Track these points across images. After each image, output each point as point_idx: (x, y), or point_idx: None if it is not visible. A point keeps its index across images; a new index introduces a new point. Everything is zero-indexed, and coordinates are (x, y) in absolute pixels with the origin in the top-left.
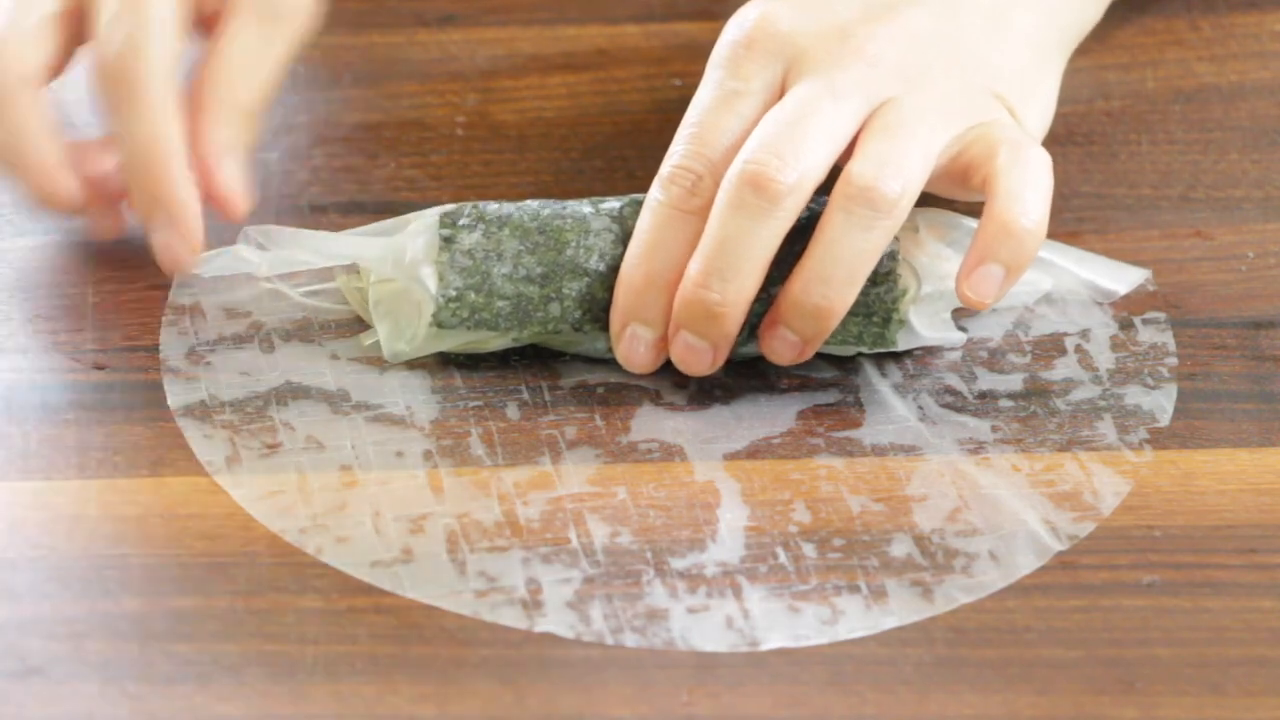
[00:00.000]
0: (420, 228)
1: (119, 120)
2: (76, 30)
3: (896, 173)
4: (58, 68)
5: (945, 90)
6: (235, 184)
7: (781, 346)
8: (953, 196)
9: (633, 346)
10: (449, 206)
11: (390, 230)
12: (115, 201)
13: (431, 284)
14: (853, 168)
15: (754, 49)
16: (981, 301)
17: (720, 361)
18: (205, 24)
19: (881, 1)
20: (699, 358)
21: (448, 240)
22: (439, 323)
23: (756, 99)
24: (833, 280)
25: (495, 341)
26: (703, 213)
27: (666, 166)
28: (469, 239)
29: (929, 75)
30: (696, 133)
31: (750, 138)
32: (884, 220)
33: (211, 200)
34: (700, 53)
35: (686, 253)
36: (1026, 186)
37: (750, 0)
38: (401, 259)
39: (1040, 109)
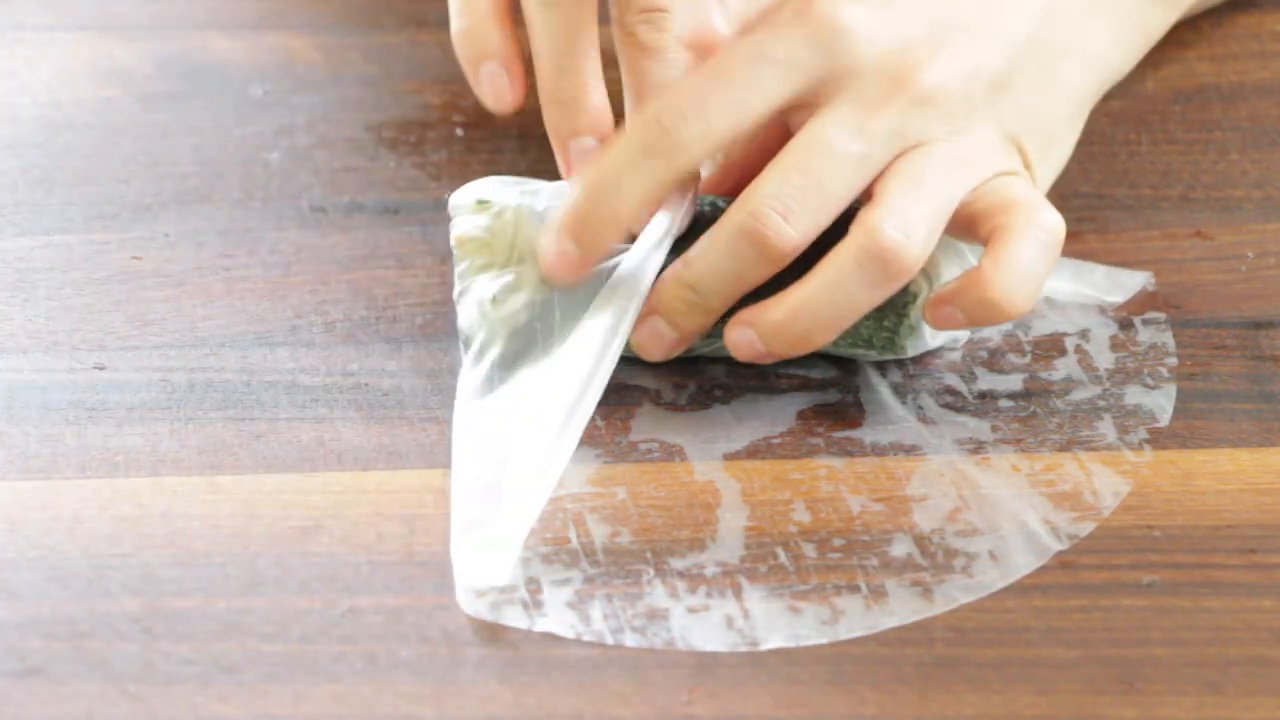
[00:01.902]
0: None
1: None
2: None
3: (918, 235)
4: None
5: (978, 139)
6: None
7: (745, 347)
8: (951, 237)
9: (557, 259)
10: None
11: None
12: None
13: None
14: (878, 222)
15: (807, 24)
16: (936, 328)
17: (678, 351)
18: None
19: (948, 23)
20: (661, 344)
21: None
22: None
23: (785, 76)
24: (822, 320)
25: None
26: (665, 155)
27: (660, 100)
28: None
29: (968, 120)
30: (704, 73)
31: (765, 178)
32: (893, 281)
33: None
34: None
35: (640, 195)
36: (1027, 264)
37: None
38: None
39: (1056, 162)
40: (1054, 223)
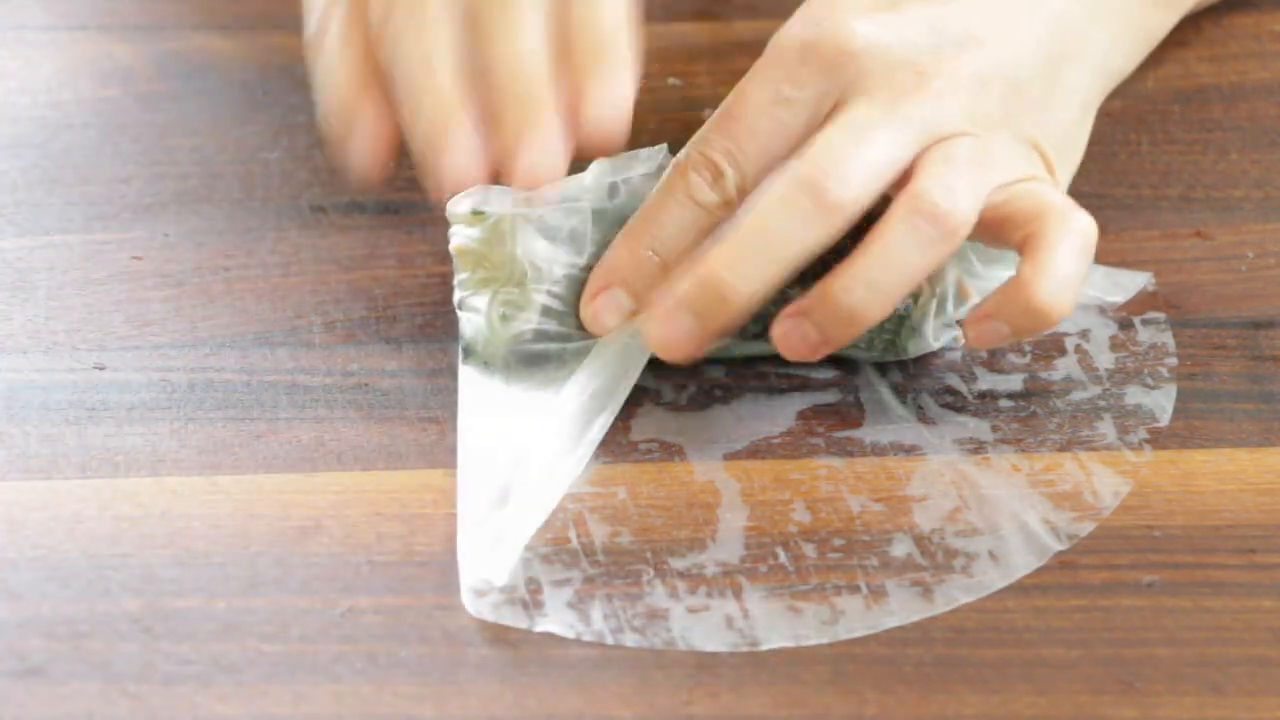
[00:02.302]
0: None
1: (490, 36)
2: None
3: (962, 199)
4: None
5: (999, 139)
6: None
7: (797, 340)
8: (980, 242)
9: (608, 308)
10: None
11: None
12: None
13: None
14: (921, 184)
15: (818, 58)
16: (978, 348)
17: (700, 353)
18: None
19: (956, 34)
20: (686, 342)
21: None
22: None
23: (803, 112)
24: (878, 286)
25: None
26: (712, 209)
27: (692, 150)
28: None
29: (987, 122)
30: (730, 127)
31: (813, 144)
32: (943, 243)
33: (578, 130)
34: (699, 53)
35: (687, 240)
36: (1068, 269)
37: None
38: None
39: (1071, 168)
40: (1088, 226)
